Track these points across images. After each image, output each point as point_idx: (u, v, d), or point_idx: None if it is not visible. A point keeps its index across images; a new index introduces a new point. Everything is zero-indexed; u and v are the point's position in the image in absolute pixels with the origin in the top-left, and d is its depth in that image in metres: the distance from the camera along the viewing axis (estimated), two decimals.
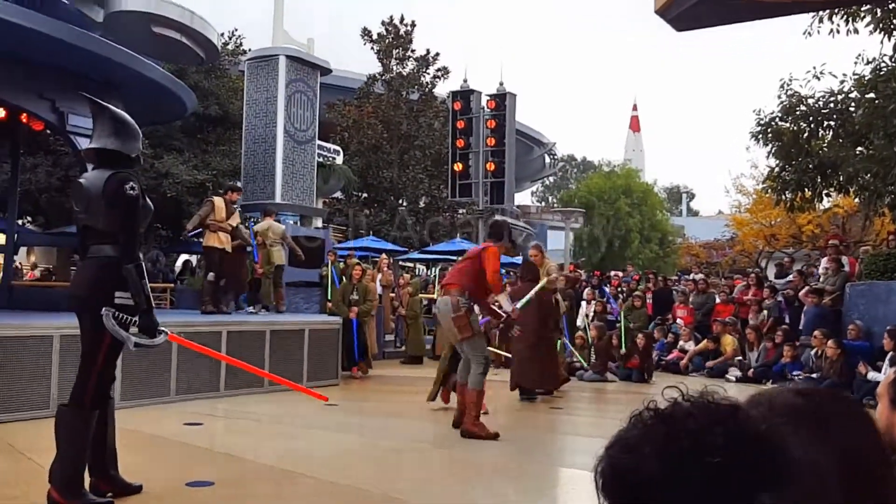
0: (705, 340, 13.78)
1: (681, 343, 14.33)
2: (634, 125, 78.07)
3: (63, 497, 4.17)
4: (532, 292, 8.46)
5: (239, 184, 12.48)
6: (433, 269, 25.68)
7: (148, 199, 4.61)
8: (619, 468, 1.03)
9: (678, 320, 14.97)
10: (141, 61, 11.90)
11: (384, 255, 16.81)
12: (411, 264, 26.20)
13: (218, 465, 5.58)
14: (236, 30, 26.00)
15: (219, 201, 11.34)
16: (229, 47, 24.88)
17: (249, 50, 20.49)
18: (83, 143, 11.71)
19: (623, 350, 12.91)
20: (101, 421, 4.45)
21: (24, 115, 11.68)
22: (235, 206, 11.69)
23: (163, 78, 12.84)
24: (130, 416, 7.40)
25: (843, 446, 1.31)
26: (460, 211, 26.64)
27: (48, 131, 14.21)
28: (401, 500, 4.63)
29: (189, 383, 8.59)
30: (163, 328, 4.47)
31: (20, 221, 15.11)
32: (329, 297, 12.70)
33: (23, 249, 25.06)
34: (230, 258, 11.34)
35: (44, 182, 19.53)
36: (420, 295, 15.35)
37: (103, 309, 4.23)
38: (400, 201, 27.12)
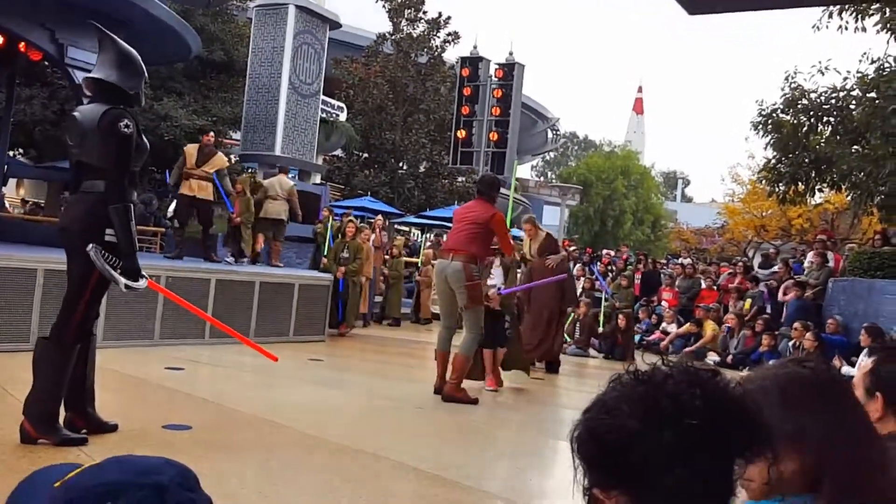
0: (688, 324, 13.91)
1: (664, 325, 14.47)
2: (638, 107, 77.75)
3: (36, 430, 4.15)
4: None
5: (238, 135, 12.09)
6: (427, 233, 25.64)
7: (144, 139, 4.53)
8: (596, 429, 1.03)
9: (663, 302, 15.07)
10: None
11: (379, 217, 16.73)
12: (406, 227, 26.12)
13: (197, 410, 5.55)
14: None
15: (190, 148, 11.16)
16: None
17: None
18: (80, 77, 11.54)
19: (601, 328, 12.98)
20: (81, 357, 4.40)
21: (23, 43, 11.49)
22: (212, 150, 11.30)
23: (168, 17, 12.63)
24: (112, 356, 7.35)
25: (832, 417, 1.37)
26: (459, 178, 26.50)
27: (46, 62, 14.00)
28: (378, 456, 4.62)
29: (174, 328, 8.54)
30: (144, 273, 4.39)
31: (11, 153, 14.90)
32: (325, 254, 12.61)
33: (12, 182, 24.83)
34: (204, 205, 11.12)
35: (39, 114, 19.27)
36: (403, 258, 15.36)
37: (90, 245, 4.17)
38: (400, 164, 26.96)
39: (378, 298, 15.07)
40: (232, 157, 23.43)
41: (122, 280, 4.24)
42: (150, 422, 4.93)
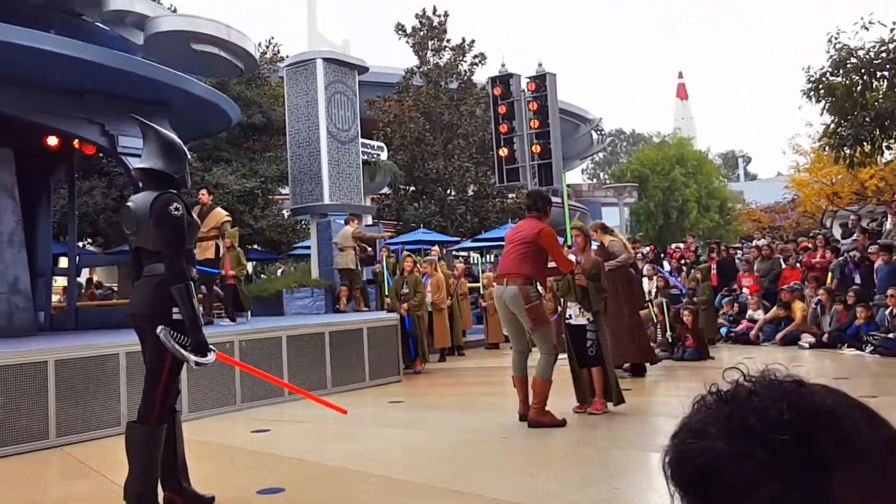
0: (774, 308, 13.38)
1: (749, 312, 13.95)
2: (682, 93, 76.77)
3: None
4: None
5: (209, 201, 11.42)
6: (487, 256, 25.65)
7: (194, 216, 4.71)
8: (685, 454, 1.02)
9: (744, 289, 14.60)
10: (185, 79, 12.09)
11: (435, 248, 16.83)
12: (465, 253, 26.19)
13: (287, 470, 5.65)
14: (273, 37, 26.31)
15: (193, 210, 10.97)
16: (267, 55, 25.17)
17: (287, 56, 20.67)
18: (134, 163, 11.97)
19: (668, 335, 12.07)
20: (169, 434, 4.56)
21: (76, 140, 12.00)
22: (209, 207, 11.10)
23: (206, 93, 13.03)
24: (198, 426, 7.57)
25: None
26: (510, 195, 26.50)
27: (100, 154, 14.56)
28: (471, 494, 4.63)
29: (253, 390, 8.72)
30: (212, 347, 4.53)
31: (80, 244, 15.50)
32: (386, 293, 12.76)
33: (84, 270, 25.69)
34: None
35: (100, 203, 20.02)
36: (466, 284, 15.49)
37: (159, 328, 4.33)
38: (448, 191, 27.09)
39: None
40: (285, 212, 24.00)
41: (192, 357, 4.38)
42: (244, 488, 5.04)
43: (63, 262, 17.01)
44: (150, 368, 4.50)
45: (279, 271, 18.03)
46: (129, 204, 4.63)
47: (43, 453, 6.62)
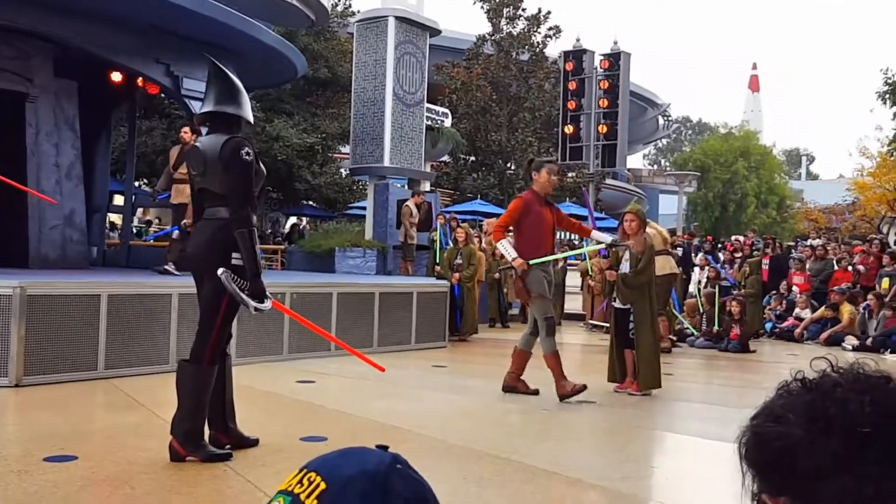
0: (822, 308, 13.25)
1: (796, 311, 13.85)
2: (754, 85, 75.11)
3: (184, 448, 4.35)
4: (553, 257, 7.44)
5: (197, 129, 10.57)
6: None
7: (261, 164, 4.68)
8: (762, 436, 1.03)
9: (794, 287, 14.43)
10: (254, 25, 12.10)
11: (490, 220, 16.70)
12: None
13: (330, 421, 5.68)
14: None
15: (173, 151, 10.11)
16: (338, 9, 25.10)
17: (358, 11, 20.59)
18: (197, 106, 12.07)
19: (716, 326, 12.05)
20: (219, 376, 4.61)
21: (141, 79, 12.10)
22: (189, 147, 10.01)
23: (275, 41, 13.04)
24: (244, 372, 7.61)
25: None
26: (570, 174, 26.22)
27: (163, 95, 14.70)
28: (510, 460, 4.61)
29: (300, 342, 8.77)
30: (269, 294, 4.51)
31: (137, 183, 15.72)
32: (437, 261, 12.71)
33: (139, 210, 26.16)
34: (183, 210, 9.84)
35: (159, 145, 20.21)
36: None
37: (221, 270, 4.31)
38: (508, 165, 26.90)
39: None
40: (343, 170, 24.08)
41: (252, 303, 4.38)
42: (288, 435, 5.08)
43: (119, 200, 17.31)
44: (204, 310, 4.52)
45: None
46: (197, 145, 4.63)
47: (91, 384, 6.74)
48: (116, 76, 12.06)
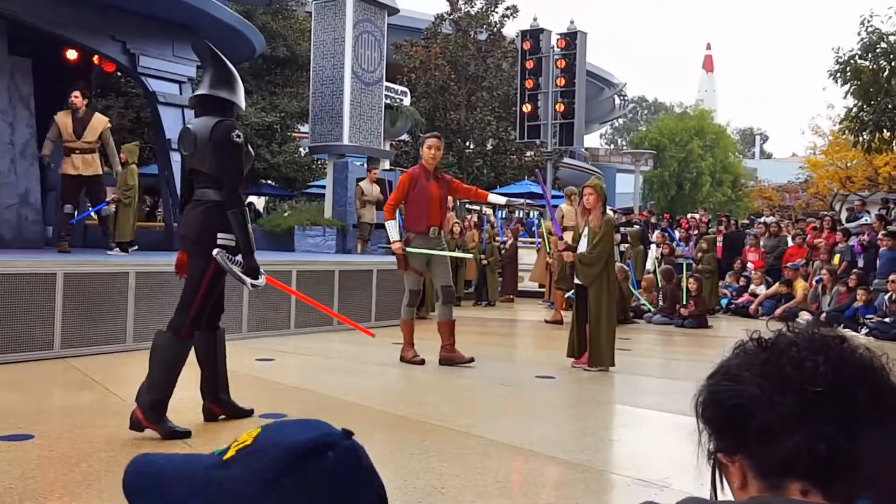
0: (777, 284, 13.54)
1: (752, 287, 14.13)
2: (708, 65, 75.87)
3: (146, 418, 4.36)
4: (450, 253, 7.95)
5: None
6: (499, 211, 25.53)
7: (250, 147, 4.79)
8: (718, 394, 1.05)
9: (749, 264, 14.73)
10: (211, 2, 11.94)
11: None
12: (478, 206, 26.10)
13: (290, 398, 5.70)
14: None
15: (61, 116, 9.51)
16: None
17: None
18: (154, 85, 11.91)
19: (683, 302, 12.25)
20: (212, 348, 4.83)
21: (97, 56, 11.88)
22: (88, 112, 9.66)
23: (233, 19, 12.88)
24: None
25: None
26: (528, 153, 26.32)
27: (119, 73, 14.45)
28: (470, 434, 4.67)
29: (260, 320, 8.75)
30: (262, 271, 4.64)
31: None
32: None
33: None
34: (95, 183, 9.72)
35: (116, 123, 19.77)
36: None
37: (216, 251, 4.43)
38: (467, 143, 26.91)
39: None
40: (302, 149, 23.88)
41: (248, 280, 4.51)
42: None
43: None
44: (188, 285, 4.59)
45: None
46: (188, 126, 4.72)
47: (47, 363, 6.67)
48: (72, 54, 11.83)
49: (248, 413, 4.90)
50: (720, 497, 1.07)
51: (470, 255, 9.33)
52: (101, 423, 4.66)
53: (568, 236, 9.00)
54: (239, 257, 4.50)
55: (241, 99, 4.79)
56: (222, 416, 4.83)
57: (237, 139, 4.53)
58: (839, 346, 1.03)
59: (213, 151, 4.51)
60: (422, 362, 7.17)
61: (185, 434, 4.46)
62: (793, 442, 0.98)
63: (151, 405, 4.36)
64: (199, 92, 4.79)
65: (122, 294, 7.39)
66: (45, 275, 6.88)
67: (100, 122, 9.74)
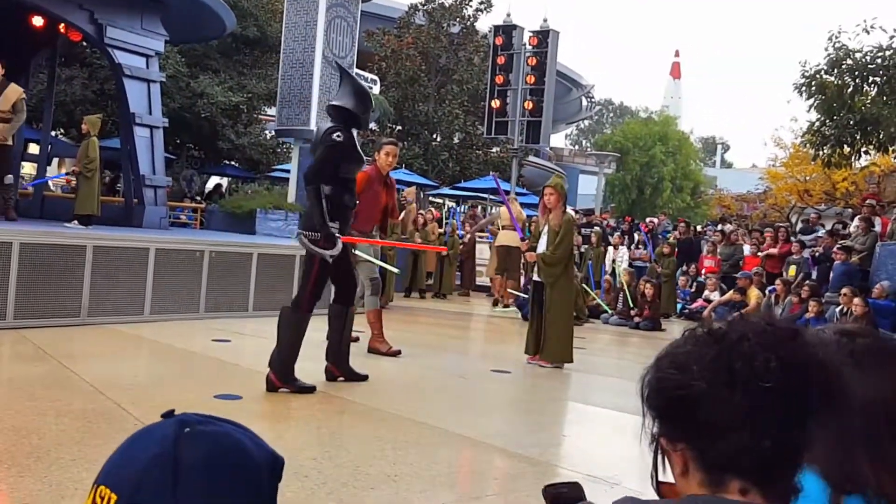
0: (731, 292, 13.73)
1: (706, 292, 14.33)
2: (675, 72, 76.61)
3: (278, 379, 5.14)
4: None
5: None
6: (463, 204, 25.62)
7: (361, 153, 5.59)
8: (664, 382, 1.04)
9: (703, 269, 14.93)
10: None
11: (411, 188, 16.69)
12: (441, 199, 26.14)
13: (246, 380, 5.66)
14: None
15: None
16: None
17: None
18: (120, 57, 11.72)
19: (630, 304, 12.53)
20: (340, 320, 5.70)
21: (63, 25, 11.65)
22: (2, 82, 9.52)
23: None
24: (162, 330, 7.55)
25: (876, 390, 1.26)
26: (494, 149, 26.39)
27: (85, 43, 14.19)
28: (426, 424, 4.72)
29: (217, 302, 8.69)
30: (337, 235, 5.29)
31: (54, 133, 15.14)
32: None
33: (55, 161, 25.22)
34: (3, 151, 9.56)
35: (79, 94, 19.49)
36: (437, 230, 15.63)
37: (297, 233, 5.38)
38: (434, 136, 26.89)
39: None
40: (268, 132, 23.66)
41: (325, 252, 5.21)
42: (202, 392, 5.05)
43: (34, 149, 16.66)
44: (304, 267, 5.52)
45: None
46: (319, 126, 5.66)
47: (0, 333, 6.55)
48: (38, 21, 11.58)
49: (363, 378, 5.74)
50: (661, 478, 1.06)
51: (397, 270, 9.40)
52: (52, 396, 4.61)
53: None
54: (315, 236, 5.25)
55: (363, 110, 5.51)
56: (340, 378, 5.64)
57: (337, 138, 5.28)
58: (791, 342, 1.01)
59: (315, 148, 5.42)
60: (398, 353, 7.11)
61: (311, 389, 5.21)
62: (738, 439, 0.97)
63: (281, 368, 5.13)
64: (331, 102, 5.63)
65: (79, 267, 7.29)
66: (1, 243, 6.76)
67: (14, 91, 9.57)
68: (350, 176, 5.51)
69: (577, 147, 67.20)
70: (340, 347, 5.72)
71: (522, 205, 16.16)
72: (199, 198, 22.80)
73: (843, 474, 1.22)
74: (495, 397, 6.08)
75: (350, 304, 5.74)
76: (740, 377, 0.97)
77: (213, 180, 28.03)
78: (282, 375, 5.15)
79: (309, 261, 5.38)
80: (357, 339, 7.16)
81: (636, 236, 16.96)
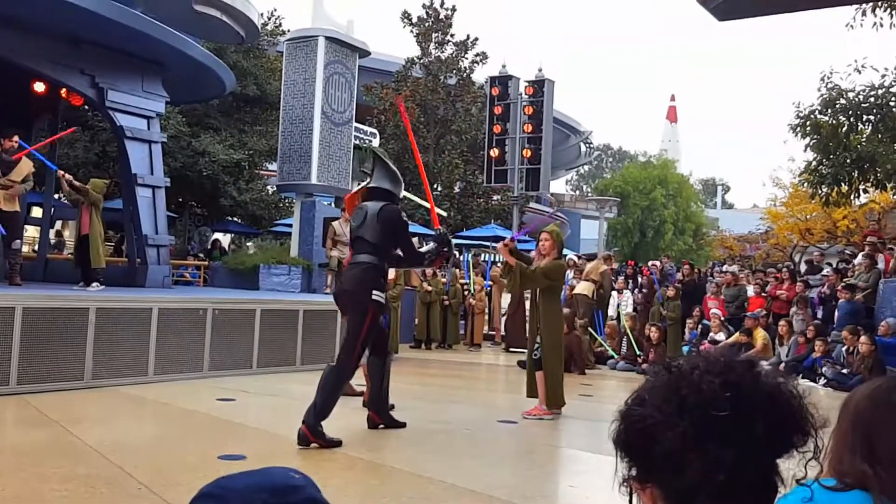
0: (737, 333, 13.62)
1: (711, 334, 14.20)
2: (672, 115, 77.26)
3: (311, 434, 5.29)
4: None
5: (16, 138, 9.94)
6: (466, 254, 25.60)
7: (406, 220, 6.17)
8: (626, 417, 1.06)
9: (715, 310, 14.84)
10: (182, 39, 11.97)
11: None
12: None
13: (250, 439, 5.64)
14: (275, 10, 26.07)
15: None
16: (268, 27, 24.94)
17: (288, 31, 20.53)
18: (121, 119, 11.86)
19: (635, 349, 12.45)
20: (379, 370, 6.03)
21: (65, 89, 11.83)
22: (14, 158, 9.75)
23: (203, 56, 12.91)
24: (165, 389, 7.52)
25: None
26: (495, 197, 26.52)
27: (87, 106, 14.38)
28: (432, 479, 4.66)
29: (222, 360, 8.67)
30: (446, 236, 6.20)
31: (57, 196, 15.28)
32: None
33: (58, 223, 25.37)
34: (13, 218, 9.82)
35: (81, 157, 19.68)
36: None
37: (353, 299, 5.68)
38: (435, 186, 27.04)
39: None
40: (269, 187, 23.83)
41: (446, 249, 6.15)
42: (206, 453, 5.02)
43: (37, 213, 16.77)
44: (350, 332, 5.68)
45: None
46: (364, 205, 5.91)
47: (2, 399, 6.54)
48: (39, 86, 11.77)
49: (402, 425, 6.05)
50: None
51: None
52: (55, 463, 4.58)
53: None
54: (430, 245, 6.19)
55: (399, 191, 6.05)
56: (381, 426, 5.98)
57: (404, 217, 5.92)
58: (742, 371, 1.01)
59: (381, 226, 5.72)
60: (391, 408, 7.03)
61: (339, 443, 5.36)
62: (693, 469, 0.97)
63: (314, 426, 5.30)
64: (370, 184, 6.01)
65: (82, 330, 7.30)
66: (3, 308, 6.78)
67: (27, 165, 9.95)
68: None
69: (577, 192, 67.51)
70: (381, 396, 6.05)
71: (525, 251, 16.13)
72: (201, 255, 22.88)
73: None
74: (501, 448, 6.02)
75: (387, 354, 6.10)
76: (688, 403, 0.99)
77: (214, 236, 28.16)
78: (314, 431, 5.32)
79: (357, 326, 5.60)
80: (362, 394, 7.08)
81: (640, 279, 16.93)
